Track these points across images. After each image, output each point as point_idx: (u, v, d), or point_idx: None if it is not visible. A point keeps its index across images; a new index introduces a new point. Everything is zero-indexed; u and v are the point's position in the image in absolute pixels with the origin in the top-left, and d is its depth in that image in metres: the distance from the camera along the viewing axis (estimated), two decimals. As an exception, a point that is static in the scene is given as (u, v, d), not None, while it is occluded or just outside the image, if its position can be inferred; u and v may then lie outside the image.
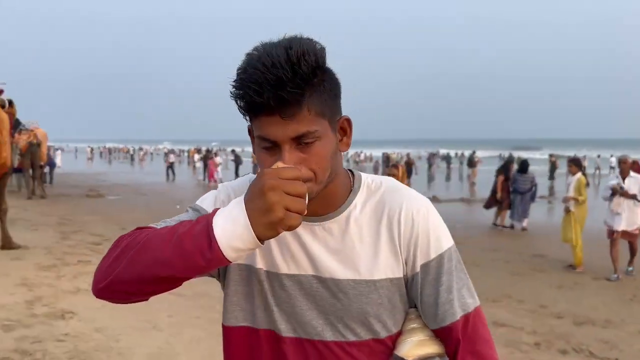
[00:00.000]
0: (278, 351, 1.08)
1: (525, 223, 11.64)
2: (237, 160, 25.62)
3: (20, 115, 11.64)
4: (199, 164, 26.50)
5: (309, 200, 0.93)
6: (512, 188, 11.81)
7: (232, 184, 1.17)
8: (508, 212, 11.95)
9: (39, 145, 16.37)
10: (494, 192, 12.22)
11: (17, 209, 11.74)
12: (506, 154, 23.46)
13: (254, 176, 1.07)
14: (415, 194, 1.10)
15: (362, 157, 47.46)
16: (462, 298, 1.05)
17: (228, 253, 0.86)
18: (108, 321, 4.78)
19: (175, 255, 0.88)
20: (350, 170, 1.14)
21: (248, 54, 0.95)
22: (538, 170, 21.04)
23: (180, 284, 0.96)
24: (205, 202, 1.13)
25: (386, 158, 37.67)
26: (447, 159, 39.90)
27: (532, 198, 12.07)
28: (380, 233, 1.05)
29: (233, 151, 28.89)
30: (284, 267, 1.07)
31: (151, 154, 61.10)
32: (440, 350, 1.07)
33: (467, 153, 38.99)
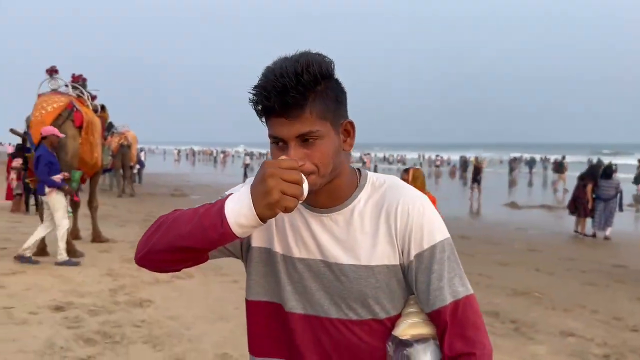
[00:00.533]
0: (288, 325, 1.24)
1: (608, 232, 11.04)
2: None
3: (114, 118, 12.60)
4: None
5: (313, 191, 1.11)
6: (594, 195, 11.24)
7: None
8: (590, 220, 11.38)
9: (129, 147, 17.57)
10: (575, 198, 11.68)
11: (108, 206, 12.68)
12: (595, 158, 22.25)
13: None
14: (413, 191, 1.22)
15: (438, 161, 46.49)
16: (452, 286, 1.16)
17: (235, 229, 1.03)
18: (181, 310, 5.13)
19: (195, 229, 1.06)
20: (359, 169, 1.28)
21: (266, 67, 1.13)
22: (626, 177, 19.75)
23: (203, 258, 1.17)
24: (232, 190, 1.28)
25: (464, 162, 36.90)
26: (530, 163, 38.32)
27: (620, 206, 11.42)
28: (379, 225, 1.19)
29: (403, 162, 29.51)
30: (297, 252, 1.22)
31: (232, 156, 63.38)
32: (431, 332, 1.18)
33: (552, 157, 37.23)
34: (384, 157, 61.07)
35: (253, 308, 1.30)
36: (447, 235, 1.19)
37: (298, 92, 1.07)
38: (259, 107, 1.11)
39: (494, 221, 13.50)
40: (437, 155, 51.11)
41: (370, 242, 1.18)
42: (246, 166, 29.16)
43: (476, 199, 18.14)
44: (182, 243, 1.09)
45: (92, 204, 8.85)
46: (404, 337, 1.17)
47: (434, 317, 1.17)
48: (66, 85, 8.11)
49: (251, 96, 1.11)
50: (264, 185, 0.99)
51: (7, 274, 6.24)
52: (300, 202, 1.06)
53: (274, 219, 1.21)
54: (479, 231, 11.72)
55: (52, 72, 7.95)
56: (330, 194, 1.20)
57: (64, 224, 6.91)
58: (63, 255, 6.89)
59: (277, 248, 1.24)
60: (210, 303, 5.51)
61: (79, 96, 8.29)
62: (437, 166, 43.48)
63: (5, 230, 9.38)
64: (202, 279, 6.41)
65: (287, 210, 1.01)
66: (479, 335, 1.15)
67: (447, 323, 1.15)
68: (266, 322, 1.28)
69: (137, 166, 20.23)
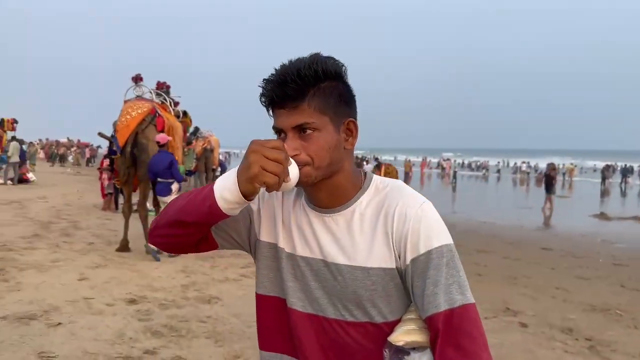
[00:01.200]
0: (291, 321, 1.27)
1: None
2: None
3: (201, 123, 13.19)
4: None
5: (310, 184, 1.18)
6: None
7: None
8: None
9: (212, 150, 18.34)
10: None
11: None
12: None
13: None
14: (414, 194, 1.21)
15: (523, 167, 44.45)
16: (449, 293, 1.11)
17: (221, 203, 1.11)
18: (245, 309, 5.29)
19: (189, 204, 1.18)
20: (365, 172, 1.30)
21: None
22: None
23: (200, 232, 1.25)
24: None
25: (552, 169, 35.03)
26: (625, 172, 35.71)
27: None
28: (377, 227, 1.19)
29: (376, 159, 29.16)
30: (300, 250, 1.26)
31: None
32: (425, 340, 1.14)
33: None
34: (463, 163, 59.31)
35: (262, 302, 1.34)
36: (448, 241, 1.16)
37: (296, 84, 1.13)
38: (263, 99, 1.18)
39: (579, 233, 12.73)
40: (522, 162, 48.99)
41: (367, 243, 1.18)
42: None
43: (548, 209, 17.01)
44: (179, 217, 1.19)
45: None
46: (398, 343, 1.15)
47: (428, 324, 1.14)
48: (150, 92, 8.63)
49: (260, 90, 1.18)
50: (246, 161, 1.06)
51: (92, 267, 6.73)
52: (287, 183, 1.11)
53: (280, 216, 1.29)
54: (561, 243, 11.12)
55: (137, 79, 8.50)
56: (332, 193, 1.23)
57: None
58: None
59: (282, 244, 1.28)
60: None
61: (162, 102, 8.80)
62: (524, 172, 41.70)
63: (96, 226, 10.11)
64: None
65: (267, 187, 1.07)
66: (475, 346, 1.09)
67: (439, 330, 1.11)
68: (273, 316, 1.31)
69: (219, 169, 21.04)
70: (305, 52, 1.20)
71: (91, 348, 3.99)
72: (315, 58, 1.16)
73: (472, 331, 1.10)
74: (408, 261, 1.15)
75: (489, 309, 5.78)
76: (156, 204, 9.33)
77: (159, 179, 7.72)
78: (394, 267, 1.17)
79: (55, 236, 8.75)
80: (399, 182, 1.27)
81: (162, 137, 7.78)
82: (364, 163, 26.80)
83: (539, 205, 18.01)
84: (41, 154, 36.41)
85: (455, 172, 32.09)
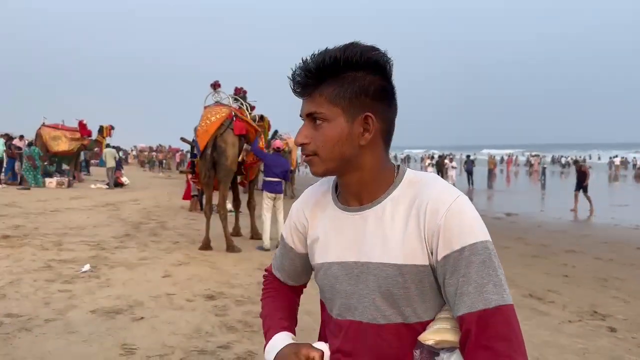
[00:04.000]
0: (330, 329, 1.27)
1: None
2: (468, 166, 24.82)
3: (277, 125, 13.48)
4: (431, 169, 26.77)
5: (320, 175, 1.20)
6: None
7: (302, 198, 1.39)
8: None
9: (289, 152, 18.72)
10: None
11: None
12: None
13: (322, 184, 1.36)
14: (448, 188, 1.13)
15: (617, 161, 41.20)
16: (484, 292, 1.04)
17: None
18: (317, 306, 5.27)
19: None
20: (398, 166, 1.24)
21: None
22: None
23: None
24: (285, 230, 1.41)
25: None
26: None
27: None
28: (409, 222, 1.13)
29: (468, 156, 28.29)
30: (333, 255, 1.23)
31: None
32: (455, 340, 1.08)
33: None
34: (553, 158, 56.17)
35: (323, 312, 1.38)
36: (485, 238, 1.08)
37: (311, 72, 1.13)
38: (290, 86, 1.19)
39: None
40: (615, 155, 45.65)
41: (399, 239, 1.13)
42: None
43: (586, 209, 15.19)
44: None
45: (250, 204, 9.63)
46: (427, 342, 1.10)
47: (460, 324, 1.08)
48: (228, 98, 8.95)
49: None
50: None
51: (175, 264, 7.08)
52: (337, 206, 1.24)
53: (315, 231, 1.30)
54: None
55: (215, 86, 8.85)
56: (358, 191, 1.20)
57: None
58: (266, 243, 8.44)
59: (316, 259, 1.28)
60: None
61: (239, 107, 9.10)
62: (617, 166, 38.94)
63: (181, 226, 10.63)
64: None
65: None
66: (510, 350, 1.01)
67: (470, 332, 1.04)
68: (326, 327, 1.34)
69: (297, 170, 21.43)
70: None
71: (169, 341, 4.20)
72: (348, 46, 1.13)
73: (507, 333, 1.02)
74: (440, 258, 1.09)
75: (575, 312, 5.45)
76: (237, 205, 9.71)
77: (277, 179, 8.57)
78: (427, 264, 1.11)
79: (144, 236, 9.30)
80: (433, 175, 1.20)
81: (278, 143, 8.86)
82: (447, 162, 26.06)
83: (637, 203, 16.71)
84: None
85: (544, 169, 30.53)
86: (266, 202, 8.52)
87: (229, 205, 10.40)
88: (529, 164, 41.56)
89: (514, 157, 50.21)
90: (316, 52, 1.15)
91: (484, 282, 1.05)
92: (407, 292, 1.12)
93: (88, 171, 27.39)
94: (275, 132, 16.88)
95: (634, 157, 45.85)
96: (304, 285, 1.48)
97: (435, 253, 1.09)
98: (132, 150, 46.59)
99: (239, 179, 9.44)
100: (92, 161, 30.03)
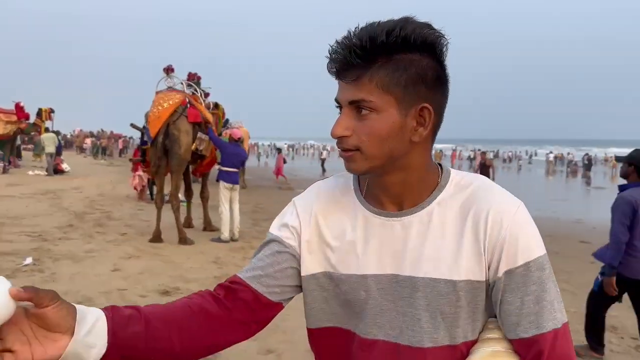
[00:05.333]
0: (354, 351, 1.07)
1: None
2: None
3: (230, 115, 13.22)
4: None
5: (360, 174, 1.03)
6: None
7: (312, 194, 1.16)
8: None
9: (241, 142, 18.41)
10: None
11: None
12: None
13: (332, 181, 1.16)
14: (508, 195, 1.02)
15: (551, 157, 43.01)
16: (552, 311, 0.96)
17: None
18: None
19: None
20: (440, 165, 1.09)
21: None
22: None
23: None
24: (283, 231, 1.12)
25: (588, 160, 34.19)
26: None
27: None
28: (465, 232, 1.00)
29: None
30: (363, 267, 1.04)
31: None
32: None
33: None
34: (497, 153, 58.06)
35: (316, 335, 1.13)
36: (544, 251, 0.99)
37: (362, 51, 0.94)
38: (328, 65, 1.00)
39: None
40: (550, 152, 47.67)
41: (452, 251, 0.99)
42: (323, 161, 29.57)
43: None
44: None
45: (204, 195, 9.36)
46: None
47: (523, 346, 0.97)
48: (181, 84, 8.62)
49: (328, 59, 1.00)
50: None
51: (125, 257, 6.77)
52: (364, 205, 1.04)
53: (328, 234, 1.09)
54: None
55: (168, 71, 8.50)
56: (400, 193, 1.04)
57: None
58: (224, 235, 8.20)
59: (338, 268, 1.07)
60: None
61: (193, 94, 8.78)
62: (550, 162, 40.72)
63: (128, 217, 10.22)
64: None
65: None
66: None
67: (542, 354, 0.95)
68: (333, 349, 1.11)
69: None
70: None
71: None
72: (404, 22, 0.95)
73: (571, 354, 0.97)
74: (501, 273, 0.97)
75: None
76: (189, 195, 9.41)
77: (234, 169, 8.36)
78: (484, 279, 0.99)
79: (89, 226, 8.87)
80: (484, 178, 1.06)
81: (238, 133, 8.55)
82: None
83: (575, 197, 17.50)
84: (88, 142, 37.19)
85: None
86: (224, 193, 8.30)
87: (181, 196, 10.08)
88: (469, 159, 42.78)
89: (458, 152, 51.55)
90: (364, 26, 0.96)
91: (550, 299, 0.96)
92: (458, 310, 0.99)
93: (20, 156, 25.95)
94: (227, 121, 16.52)
95: (569, 153, 47.99)
96: (269, 313, 1.11)
97: (495, 267, 0.98)
98: (70, 135, 44.59)
99: (191, 168, 9.15)
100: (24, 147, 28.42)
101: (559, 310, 0.97)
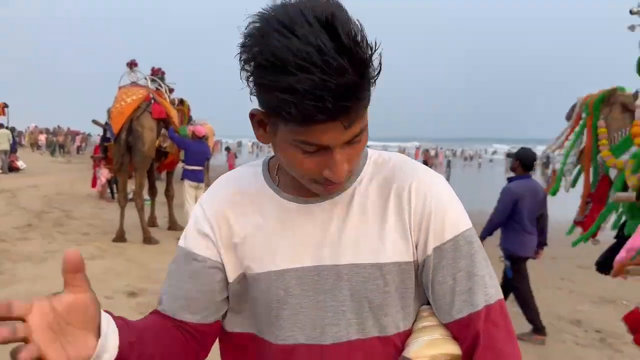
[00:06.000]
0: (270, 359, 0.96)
1: None
2: None
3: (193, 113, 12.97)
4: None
5: (332, 192, 0.93)
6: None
7: (215, 192, 1.03)
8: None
9: (206, 139, 18.15)
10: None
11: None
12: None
13: (241, 171, 1.04)
14: (428, 170, 0.98)
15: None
16: (484, 287, 0.91)
17: None
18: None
19: None
20: None
21: (281, 47, 0.75)
22: None
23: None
24: (196, 241, 0.99)
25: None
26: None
27: None
28: (388, 210, 0.93)
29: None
30: (282, 261, 0.94)
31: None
32: (456, 352, 0.92)
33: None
34: (455, 152, 59.08)
35: (227, 340, 1.03)
36: (471, 224, 0.94)
37: (363, 92, 0.79)
38: (296, 115, 0.77)
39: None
40: (495, 151, 48.74)
41: (376, 233, 0.92)
42: None
43: None
44: None
45: (168, 193, 9.17)
46: None
47: (458, 328, 0.91)
48: (145, 78, 8.41)
49: (284, 99, 0.76)
50: None
51: (87, 258, 6.54)
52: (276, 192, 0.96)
53: (239, 230, 0.97)
54: (557, 232, 11.07)
55: (132, 65, 8.28)
56: None
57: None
58: None
59: (253, 267, 0.95)
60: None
61: (157, 89, 8.58)
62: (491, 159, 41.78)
63: (89, 216, 9.92)
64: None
65: None
66: (513, 348, 0.90)
67: (479, 334, 0.89)
68: (242, 355, 1.01)
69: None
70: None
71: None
72: (354, 29, 0.77)
73: (508, 329, 0.91)
74: (430, 251, 0.91)
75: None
76: (153, 194, 9.19)
77: (199, 167, 8.22)
78: (411, 260, 0.92)
79: (49, 226, 8.57)
80: (403, 156, 1.00)
81: (202, 130, 8.32)
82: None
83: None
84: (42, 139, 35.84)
85: (449, 162, 32.01)
86: (189, 192, 8.14)
87: (145, 194, 9.85)
88: (424, 156, 43.08)
89: (421, 150, 52.14)
90: (324, 39, 0.74)
91: (482, 274, 0.91)
92: (386, 297, 0.92)
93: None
94: (190, 118, 16.24)
95: (508, 149, 49.14)
96: (211, 337, 1.01)
97: (423, 245, 0.92)
98: (25, 132, 43.05)
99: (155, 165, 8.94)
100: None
101: (492, 286, 0.92)
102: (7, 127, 20.08)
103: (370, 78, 0.80)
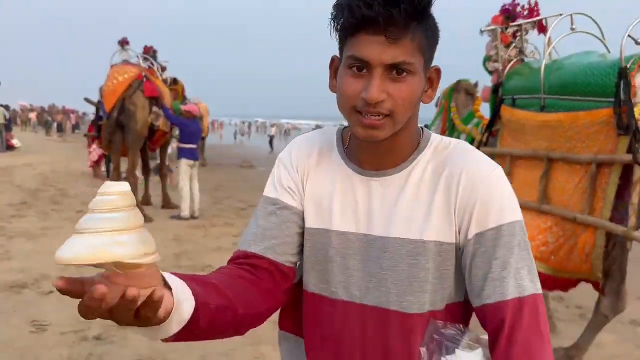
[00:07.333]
0: (328, 313, 1.05)
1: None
2: None
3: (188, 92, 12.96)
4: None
5: (378, 140, 0.95)
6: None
7: (299, 145, 1.13)
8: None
9: (201, 118, 18.10)
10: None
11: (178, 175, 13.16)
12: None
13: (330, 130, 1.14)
14: (485, 158, 1.00)
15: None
16: (519, 279, 0.92)
17: None
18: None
19: None
20: (422, 127, 1.08)
21: None
22: None
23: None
24: (281, 192, 1.08)
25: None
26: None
27: None
28: (437, 192, 0.98)
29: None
30: (336, 224, 1.03)
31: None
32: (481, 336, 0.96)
33: None
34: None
35: (304, 299, 1.11)
36: (520, 217, 0.96)
37: (410, 7, 0.86)
38: (349, 18, 0.88)
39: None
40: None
41: (424, 212, 0.97)
42: (271, 138, 28.95)
43: None
44: None
45: (162, 172, 9.23)
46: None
47: (485, 312, 0.94)
48: (137, 57, 8.41)
49: (339, 4, 0.90)
50: None
51: (83, 234, 6.64)
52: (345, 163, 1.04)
53: (310, 188, 1.07)
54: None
55: (123, 43, 8.28)
56: (388, 153, 1.01)
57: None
58: (184, 212, 8.10)
59: (312, 223, 1.06)
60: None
61: (149, 67, 8.59)
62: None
63: (84, 194, 9.96)
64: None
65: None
66: (541, 344, 0.90)
67: (504, 323, 0.90)
68: (313, 311, 1.09)
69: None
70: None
71: (84, 316, 3.95)
72: None
73: (539, 326, 0.92)
74: (471, 236, 0.95)
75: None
76: (146, 172, 9.26)
77: (194, 145, 8.25)
78: (453, 242, 0.97)
79: (44, 204, 8.64)
80: (464, 143, 1.05)
81: (195, 109, 8.34)
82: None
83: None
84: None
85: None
86: (185, 170, 8.16)
87: (138, 173, 9.91)
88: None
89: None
90: None
91: (518, 267, 0.93)
92: (427, 274, 0.97)
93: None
94: (184, 98, 16.20)
95: None
96: (288, 281, 1.07)
97: (466, 230, 0.96)
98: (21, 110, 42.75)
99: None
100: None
101: (529, 280, 0.93)
102: (1, 105, 20.01)
103: (416, 8, 0.87)
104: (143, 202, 8.86)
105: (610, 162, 2.91)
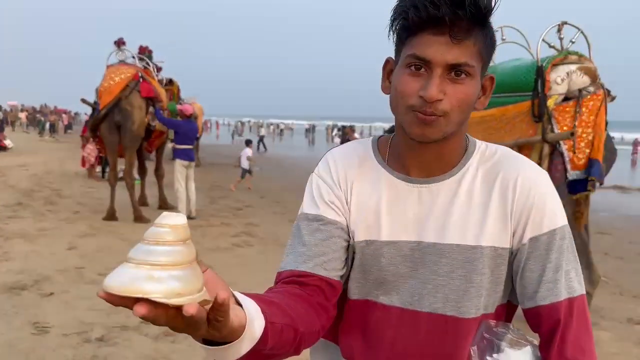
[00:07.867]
0: (378, 320, 1.05)
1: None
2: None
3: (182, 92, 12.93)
4: (337, 140, 27.24)
5: (431, 141, 0.95)
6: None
7: (339, 157, 1.11)
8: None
9: (195, 118, 18.04)
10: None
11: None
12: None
13: (358, 144, 1.13)
14: (534, 164, 1.04)
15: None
16: (569, 280, 0.97)
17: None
18: (240, 277, 5.27)
19: None
20: (466, 134, 1.08)
21: None
22: None
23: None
24: (324, 208, 1.06)
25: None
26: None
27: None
28: (492, 198, 0.99)
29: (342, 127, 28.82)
30: (387, 233, 1.03)
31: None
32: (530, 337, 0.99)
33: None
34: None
35: (348, 307, 1.10)
36: (566, 221, 0.99)
37: (475, 9, 0.88)
38: (413, 17, 0.89)
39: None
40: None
41: (478, 217, 0.99)
42: (261, 138, 28.81)
43: None
44: None
45: (158, 172, 9.21)
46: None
47: (538, 314, 0.97)
48: (133, 57, 8.38)
49: (403, 3, 0.92)
50: None
51: (80, 236, 6.63)
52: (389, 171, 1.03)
53: (354, 201, 1.05)
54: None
55: (119, 44, 8.24)
56: (436, 158, 1.01)
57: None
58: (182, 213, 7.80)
59: (360, 235, 1.05)
60: (268, 270, 5.62)
61: (145, 67, 8.56)
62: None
63: (79, 195, 9.96)
64: (261, 248, 6.56)
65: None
66: (591, 345, 0.96)
67: (559, 323, 0.95)
68: (362, 319, 1.08)
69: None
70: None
71: (87, 318, 3.94)
72: None
73: (588, 327, 0.98)
74: (526, 240, 0.97)
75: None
76: (143, 173, 9.25)
77: (190, 146, 8.28)
78: (508, 247, 0.99)
79: (40, 205, 8.61)
80: (507, 148, 1.06)
81: (190, 109, 8.31)
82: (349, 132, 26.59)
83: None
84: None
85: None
86: (180, 171, 8.17)
87: (135, 174, 9.89)
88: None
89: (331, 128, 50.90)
90: None
91: (568, 269, 0.97)
92: (482, 279, 0.98)
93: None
94: (179, 99, 16.16)
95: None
96: (337, 295, 1.05)
97: (520, 234, 0.98)
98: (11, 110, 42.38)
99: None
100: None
101: (577, 281, 0.97)
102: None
103: (481, 12, 0.89)
104: (140, 204, 8.81)
105: (527, 144, 3.82)
